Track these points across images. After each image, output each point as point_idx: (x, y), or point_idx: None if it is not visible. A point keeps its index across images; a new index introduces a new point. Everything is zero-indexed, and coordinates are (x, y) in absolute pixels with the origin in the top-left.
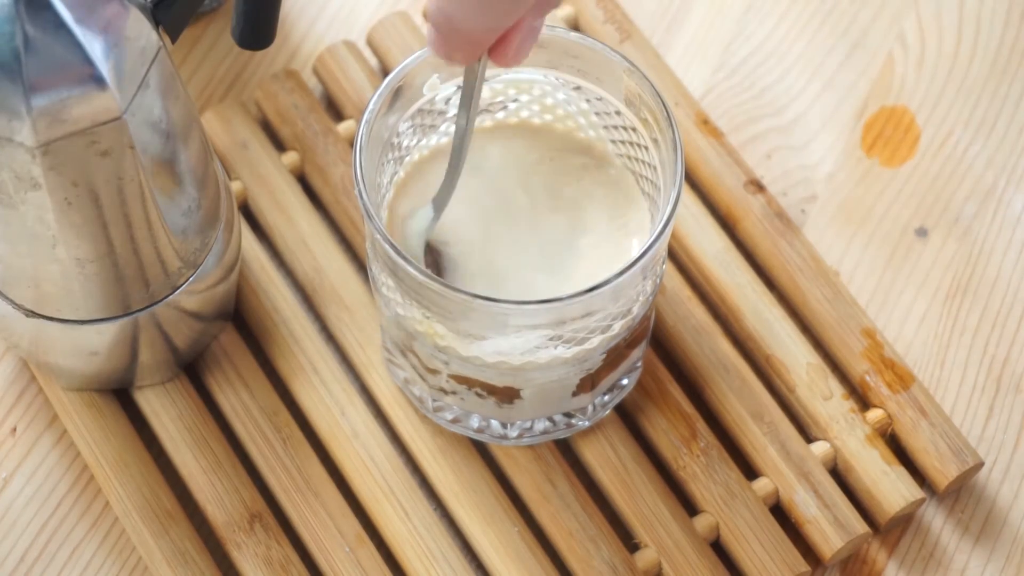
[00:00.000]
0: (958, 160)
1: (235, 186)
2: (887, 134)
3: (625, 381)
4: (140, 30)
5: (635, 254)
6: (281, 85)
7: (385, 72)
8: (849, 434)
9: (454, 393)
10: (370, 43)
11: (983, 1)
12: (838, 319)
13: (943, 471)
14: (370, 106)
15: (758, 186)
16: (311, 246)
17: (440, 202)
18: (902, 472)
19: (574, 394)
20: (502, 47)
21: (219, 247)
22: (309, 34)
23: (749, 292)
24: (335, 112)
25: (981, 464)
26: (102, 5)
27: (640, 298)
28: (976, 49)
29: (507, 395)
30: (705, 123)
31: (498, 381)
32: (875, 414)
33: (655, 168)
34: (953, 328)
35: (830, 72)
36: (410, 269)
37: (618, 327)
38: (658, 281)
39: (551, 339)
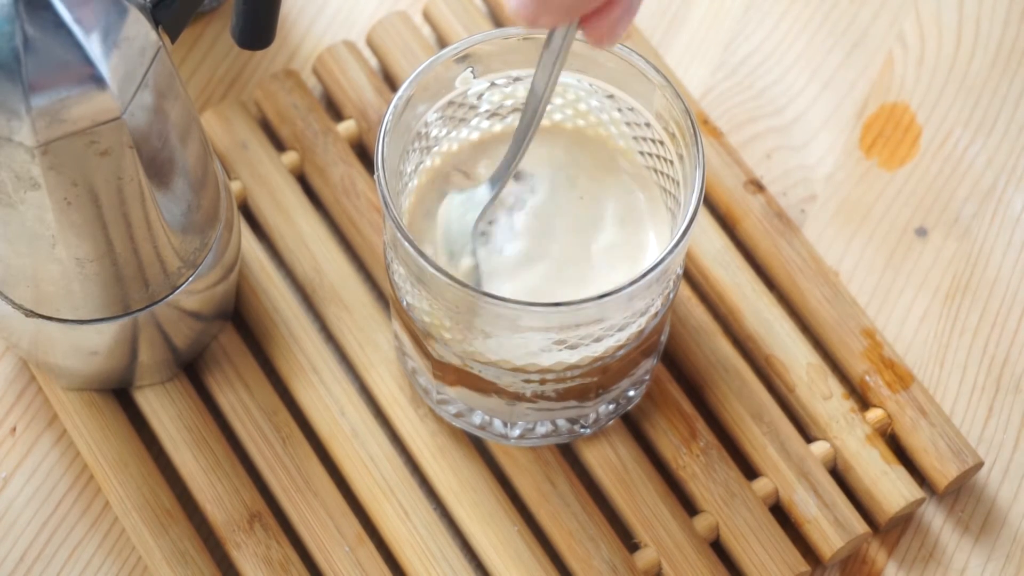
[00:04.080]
0: (958, 160)
1: (235, 186)
2: (887, 134)
3: (632, 393)
4: (139, 30)
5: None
6: (281, 85)
7: (385, 72)
8: (849, 434)
9: (453, 383)
10: (370, 43)
11: (983, 1)
12: (838, 319)
13: (943, 471)
14: (399, 92)
15: (758, 186)
16: (311, 246)
17: (498, 178)
18: (902, 472)
19: (577, 401)
20: (598, 19)
21: (219, 247)
22: (309, 34)
23: (749, 292)
24: (335, 112)
25: (981, 464)
26: (102, 5)
27: (650, 311)
28: (976, 49)
29: (509, 395)
30: (705, 123)
31: (499, 380)
32: (875, 414)
33: (678, 184)
34: (953, 328)
35: (830, 72)
36: (420, 260)
37: (625, 338)
38: (671, 296)
39: (556, 343)
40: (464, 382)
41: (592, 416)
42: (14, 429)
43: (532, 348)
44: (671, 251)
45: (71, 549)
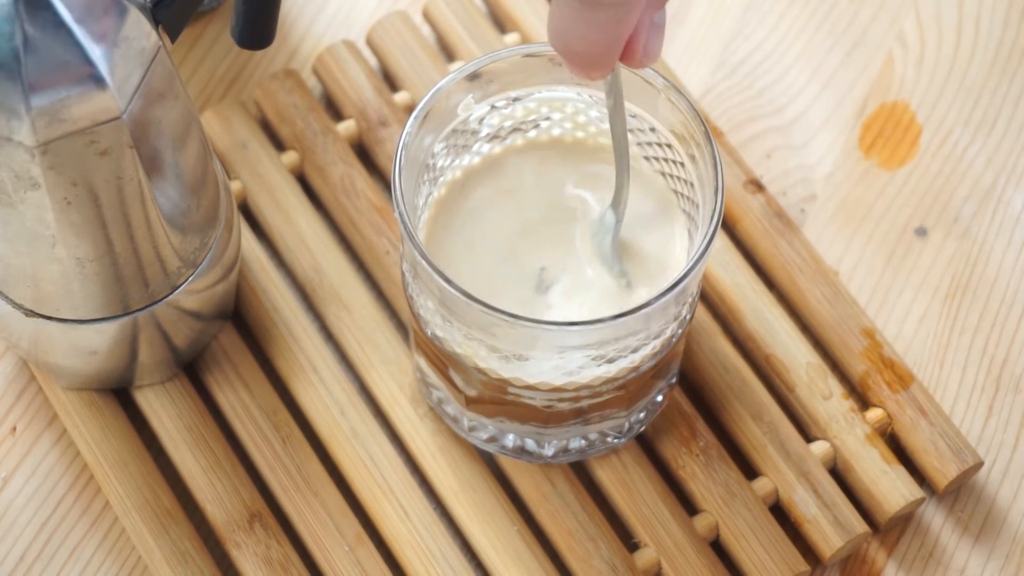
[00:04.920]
0: (958, 159)
1: (234, 186)
2: (887, 133)
3: (660, 398)
4: (139, 30)
5: (677, 267)
6: (280, 85)
7: (385, 72)
8: (849, 434)
9: (490, 414)
10: (369, 43)
11: (983, 1)
12: (838, 319)
13: (943, 471)
14: (407, 128)
15: (757, 186)
16: (311, 246)
17: (617, 203)
18: (901, 472)
19: (613, 411)
20: (629, 51)
21: (218, 247)
22: (308, 34)
23: (749, 292)
24: (334, 112)
25: (981, 464)
26: (101, 4)
27: (683, 313)
28: (976, 48)
29: (543, 416)
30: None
31: (536, 400)
32: (875, 414)
33: (692, 184)
34: (952, 328)
35: (829, 71)
36: (452, 291)
37: (659, 344)
38: (695, 300)
39: (595, 358)
40: (497, 404)
41: (626, 425)
42: (14, 429)
43: (571, 367)
44: (706, 248)
45: (71, 549)
